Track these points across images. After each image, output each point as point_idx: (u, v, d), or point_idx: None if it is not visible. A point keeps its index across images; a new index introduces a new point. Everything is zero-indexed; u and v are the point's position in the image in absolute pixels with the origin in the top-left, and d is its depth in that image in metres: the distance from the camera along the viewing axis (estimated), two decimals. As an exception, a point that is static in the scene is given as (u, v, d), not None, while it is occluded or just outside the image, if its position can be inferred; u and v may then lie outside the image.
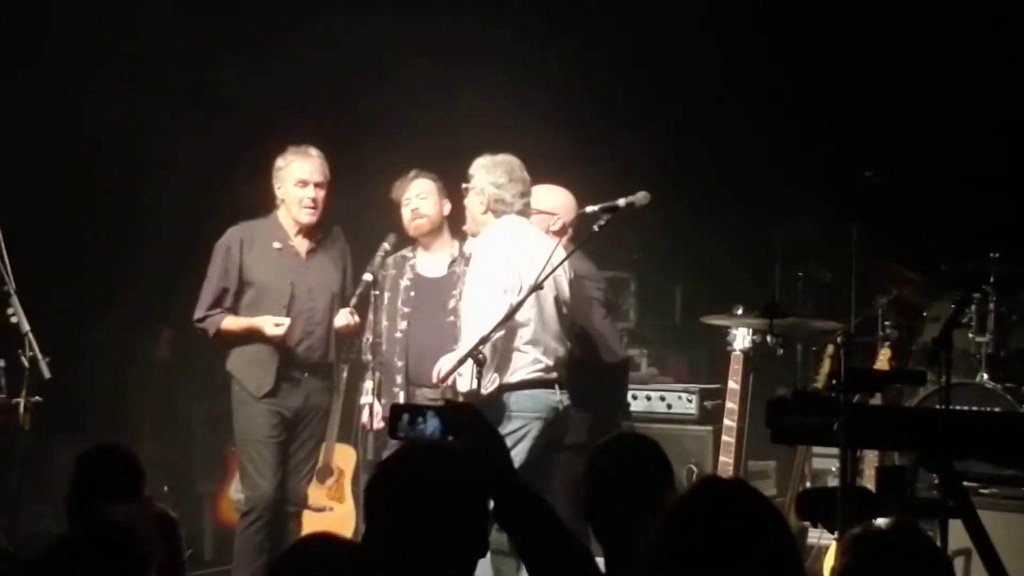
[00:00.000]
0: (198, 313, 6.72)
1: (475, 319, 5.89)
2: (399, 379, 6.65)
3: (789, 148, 8.54)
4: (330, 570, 2.90)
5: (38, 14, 8.01)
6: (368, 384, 6.69)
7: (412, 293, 6.75)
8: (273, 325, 6.58)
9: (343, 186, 6.94)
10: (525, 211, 6.18)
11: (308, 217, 6.73)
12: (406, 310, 6.72)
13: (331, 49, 8.38)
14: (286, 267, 6.74)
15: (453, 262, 6.76)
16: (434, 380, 6.14)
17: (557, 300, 6.07)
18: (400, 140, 8.05)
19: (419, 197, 6.74)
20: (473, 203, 6.20)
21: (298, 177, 6.71)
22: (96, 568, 3.16)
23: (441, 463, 3.08)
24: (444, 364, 6.11)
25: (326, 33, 8.34)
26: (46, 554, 3.22)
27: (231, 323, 6.69)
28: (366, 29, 8.36)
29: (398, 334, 6.69)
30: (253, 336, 6.63)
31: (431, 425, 3.18)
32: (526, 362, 5.95)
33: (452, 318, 6.60)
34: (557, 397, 6.01)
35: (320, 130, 7.26)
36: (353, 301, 6.70)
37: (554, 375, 6.03)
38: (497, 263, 5.95)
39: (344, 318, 6.69)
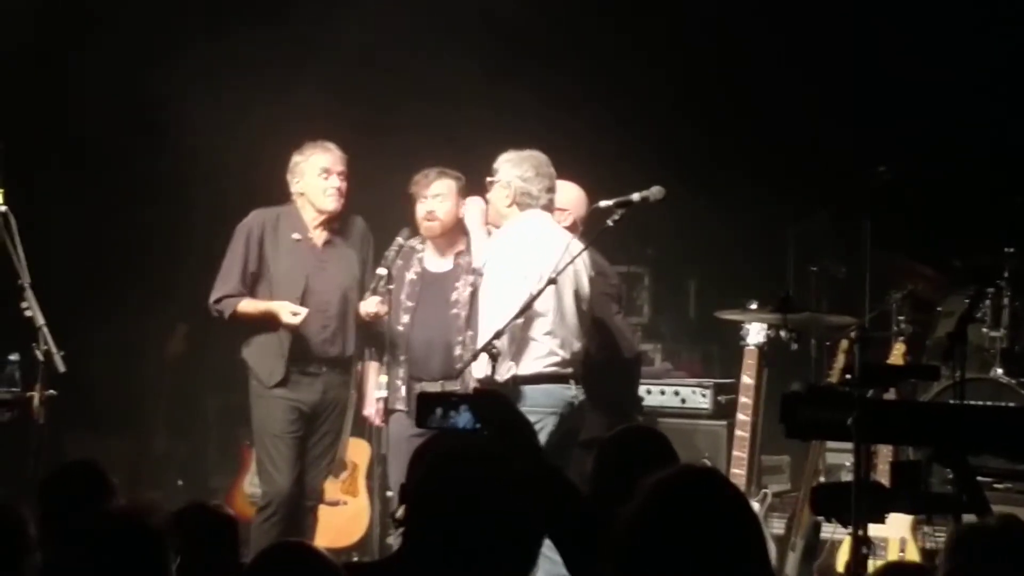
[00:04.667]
0: (215, 294, 6.68)
1: (494, 309, 5.90)
2: (401, 373, 6.66)
3: (803, 143, 8.53)
4: None
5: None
6: (383, 378, 6.70)
7: (417, 288, 6.75)
8: (290, 313, 6.55)
9: (360, 180, 6.94)
10: (549, 206, 6.20)
11: (334, 204, 6.72)
12: (410, 304, 6.71)
13: (352, 43, 8.39)
14: (302, 260, 6.73)
15: (459, 254, 6.76)
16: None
17: (577, 296, 6.07)
18: (421, 133, 8.04)
19: (436, 199, 6.70)
20: (498, 196, 6.21)
21: (321, 167, 6.71)
22: (112, 558, 3.16)
23: (491, 467, 3.04)
24: None
25: (347, 26, 8.34)
26: (63, 554, 3.21)
27: (248, 306, 6.65)
28: (388, 24, 8.37)
29: (400, 327, 6.69)
30: (267, 321, 6.61)
31: (464, 418, 3.19)
32: (542, 352, 5.96)
33: (455, 310, 6.61)
34: (572, 392, 6.01)
35: (339, 123, 7.26)
36: (367, 295, 6.70)
37: (569, 370, 6.03)
38: (518, 252, 5.97)
39: (374, 305, 6.63)
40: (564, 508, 3.21)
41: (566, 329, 6.03)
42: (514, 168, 6.14)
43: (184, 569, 3.61)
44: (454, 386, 6.26)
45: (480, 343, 5.87)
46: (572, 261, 5.85)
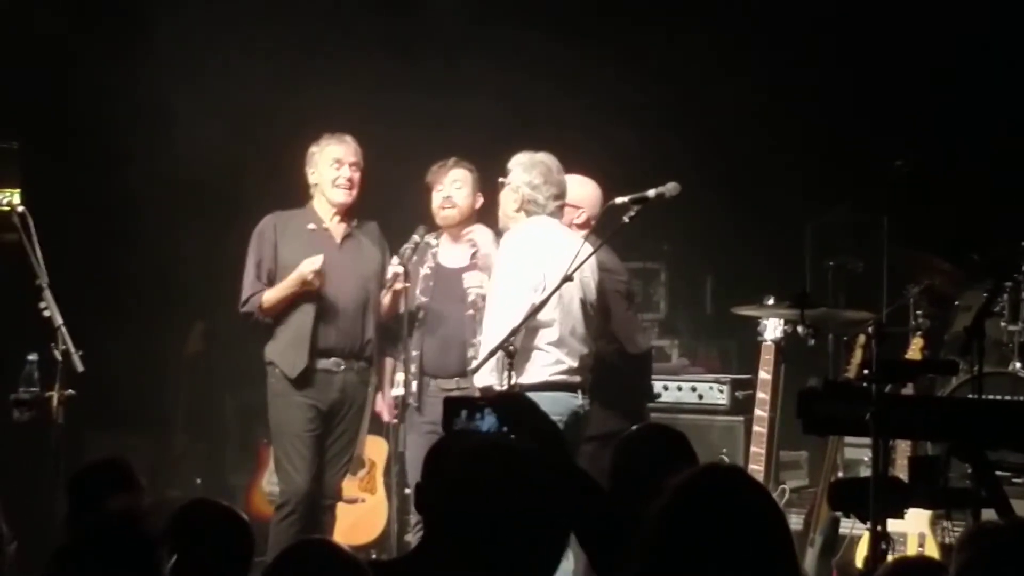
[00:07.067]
0: (241, 298, 6.71)
1: (498, 315, 5.89)
2: (413, 368, 6.66)
3: (820, 137, 8.52)
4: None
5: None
6: (399, 376, 6.71)
7: (431, 283, 6.74)
8: (308, 264, 6.51)
9: (375, 176, 6.95)
10: (557, 213, 6.19)
11: (343, 196, 6.74)
12: (423, 299, 6.72)
13: (370, 38, 8.39)
14: (318, 248, 6.70)
15: (475, 252, 6.75)
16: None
17: (584, 302, 6.06)
18: (438, 130, 8.04)
19: (453, 185, 6.72)
20: (507, 199, 6.22)
21: (333, 157, 6.74)
22: (100, 559, 3.17)
23: (513, 465, 3.02)
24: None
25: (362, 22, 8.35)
26: (54, 557, 3.23)
27: (271, 294, 6.65)
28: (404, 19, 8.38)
29: (415, 323, 6.69)
30: (295, 297, 6.58)
31: (488, 421, 3.20)
32: (548, 362, 5.94)
33: (471, 311, 6.59)
34: (579, 401, 6.00)
35: (357, 117, 7.27)
36: (383, 292, 6.70)
37: (577, 378, 6.02)
38: (522, 261, 5.96)
39: (400, 283, 6.59)
40: (590, 507, 3.21)
41: (574, 337, 6.01)
42: (524, 173, 6.15)
43: (187, 566, 3.62)
44: (468, 384, 6.27)
45: (484, 347, 5.86)
46: (579, 267, 5.81)
